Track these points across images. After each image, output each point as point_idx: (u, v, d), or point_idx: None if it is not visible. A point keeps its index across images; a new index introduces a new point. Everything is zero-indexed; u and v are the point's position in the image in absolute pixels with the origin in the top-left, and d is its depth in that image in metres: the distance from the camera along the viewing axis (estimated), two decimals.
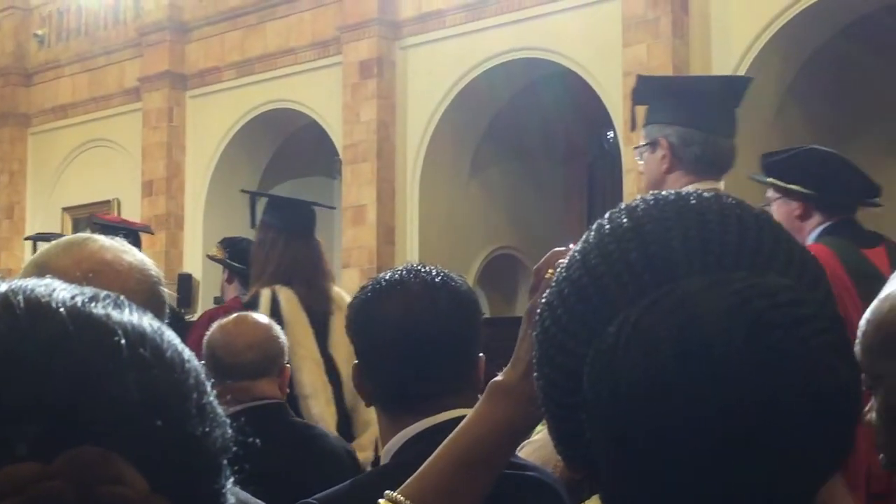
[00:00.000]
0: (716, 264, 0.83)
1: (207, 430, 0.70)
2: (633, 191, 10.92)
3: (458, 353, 1.87)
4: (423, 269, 1.91)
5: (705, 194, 0.89)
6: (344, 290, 4.36)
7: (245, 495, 1.72)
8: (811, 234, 3.47)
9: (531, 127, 13.25)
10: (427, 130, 12.88)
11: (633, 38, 10.99)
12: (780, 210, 3.48)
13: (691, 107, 3.06)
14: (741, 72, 10.40)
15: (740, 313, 0.78)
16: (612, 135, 12.15)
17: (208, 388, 0.71)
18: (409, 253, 12.29)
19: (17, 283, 0.70)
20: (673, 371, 0.78)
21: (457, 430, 1.29)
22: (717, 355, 0.77)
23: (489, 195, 13.37)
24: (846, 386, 0.79)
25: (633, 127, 3.42)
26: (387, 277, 1.92)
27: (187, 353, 0.72)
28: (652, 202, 0.89)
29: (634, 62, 10.94)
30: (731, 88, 3.34)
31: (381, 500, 1.29)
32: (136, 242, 4.69)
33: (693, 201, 0.88)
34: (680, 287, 0.81)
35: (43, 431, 0.63)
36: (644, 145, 3.10)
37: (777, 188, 3.51)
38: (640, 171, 3.32)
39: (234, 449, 0.71)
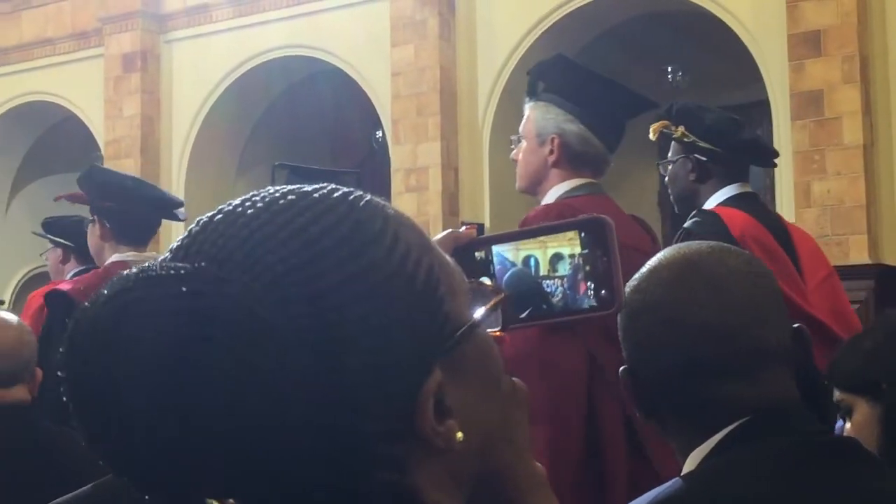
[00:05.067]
0: (200, 254, 0.82)
1: None
2: (401, 189, 11.00)
3: None
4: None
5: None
6: None
7: None
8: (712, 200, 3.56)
9: (300, 125, 13.17)
10: (193, 127, 12.62)
11: (401, 39, 11.06)
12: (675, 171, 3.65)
13: None
14: (506, 74, 10.62)
15: (116, 298, 0.79)
16: (380, 134, 12.21)
17: None
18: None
19: None
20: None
21: None
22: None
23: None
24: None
25: None
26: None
27: None
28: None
29: (402, 62, 11.03)
30: None
31: None
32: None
33: (263, 193, 0.87)
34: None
35: None
36: None
37: (683, 143, 3.60)
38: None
39: None
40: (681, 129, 3.60)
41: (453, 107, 10.82)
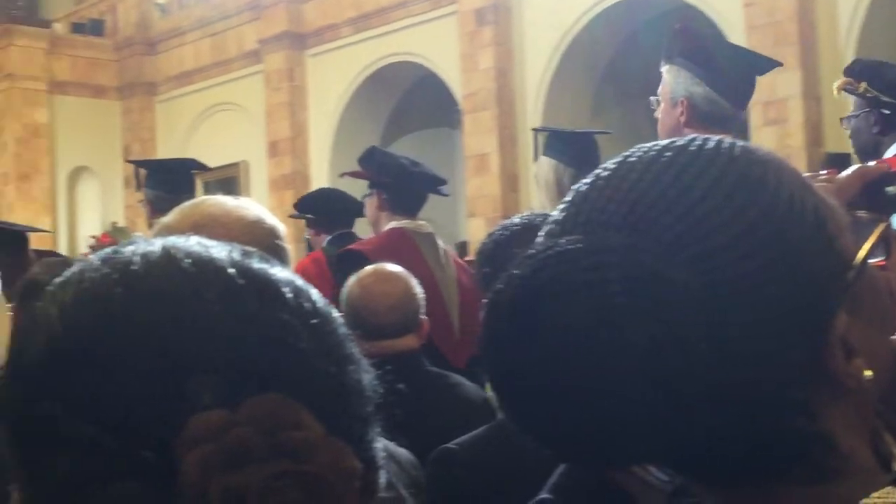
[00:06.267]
0: (589, 223, 0.82)
1: (361, 377, 0.73)
2: (759, 123, 10.69)
3: None
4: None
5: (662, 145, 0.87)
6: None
7: (386, 442, 1.75)
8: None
9: (651, 65, 13.04)
10: (545, 75, 12.79)
11: None
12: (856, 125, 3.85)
13: None
14: None
15: (530, 279, 0.80)
16: None
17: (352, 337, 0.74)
18: (534, 200, 12.25)
19: (170, 241, 0.72)
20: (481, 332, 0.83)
21: None
22: (502, 319, 0.81)
23: (611, 137, 13.22)
24: (639, 347, 0.76)
25: None
26: (516, 221, 2.02)
27: (330, 305, 0.74)
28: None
29: None
30: None
31: None
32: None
33: (637, 154, 0.86)
34: (537, 245, 0.83)
35: (226, 381, 0.66)
36: None
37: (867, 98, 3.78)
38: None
39: (380, 397, 0.74)
40: (863, 84, 3.79)
41: (812, 35, 10.37)
